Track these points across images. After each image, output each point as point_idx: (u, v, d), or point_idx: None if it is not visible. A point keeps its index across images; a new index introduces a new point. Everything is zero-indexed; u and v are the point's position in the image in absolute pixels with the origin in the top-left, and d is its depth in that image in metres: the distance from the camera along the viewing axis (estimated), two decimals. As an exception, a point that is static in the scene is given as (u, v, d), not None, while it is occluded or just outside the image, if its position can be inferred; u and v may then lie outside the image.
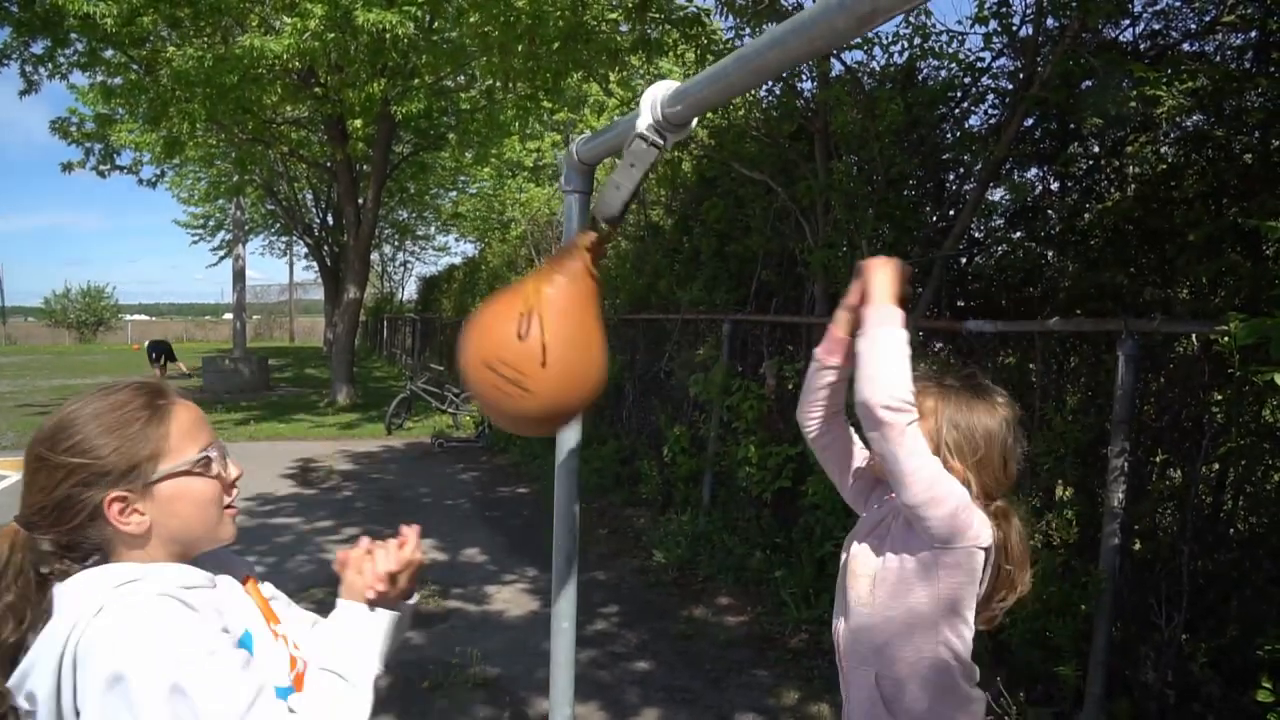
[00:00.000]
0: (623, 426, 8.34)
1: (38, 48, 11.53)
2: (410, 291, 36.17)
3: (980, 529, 1.60)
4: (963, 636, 1.66)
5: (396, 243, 36.85)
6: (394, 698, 3.99)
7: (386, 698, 3.99)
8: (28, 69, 11.75)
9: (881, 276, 1.62)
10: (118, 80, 12.53)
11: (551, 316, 1.37)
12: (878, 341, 1.55)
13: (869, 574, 1.69)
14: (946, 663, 1.66)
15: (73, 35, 11.33)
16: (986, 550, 1.62)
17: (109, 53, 12.03)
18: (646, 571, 5.82)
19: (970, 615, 1.66)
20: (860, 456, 1.86)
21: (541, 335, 1.36)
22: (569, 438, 1.87)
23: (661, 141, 1.35)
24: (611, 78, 7.01)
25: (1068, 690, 3.46)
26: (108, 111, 13.64)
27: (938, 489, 1.55)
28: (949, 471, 1.60)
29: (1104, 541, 3.38)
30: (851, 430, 1.85)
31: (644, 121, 1.33)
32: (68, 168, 14.05)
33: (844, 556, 1.80)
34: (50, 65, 11.85)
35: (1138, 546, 3.54)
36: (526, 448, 10.02)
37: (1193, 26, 4.31)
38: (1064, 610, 3.43)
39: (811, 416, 1.82)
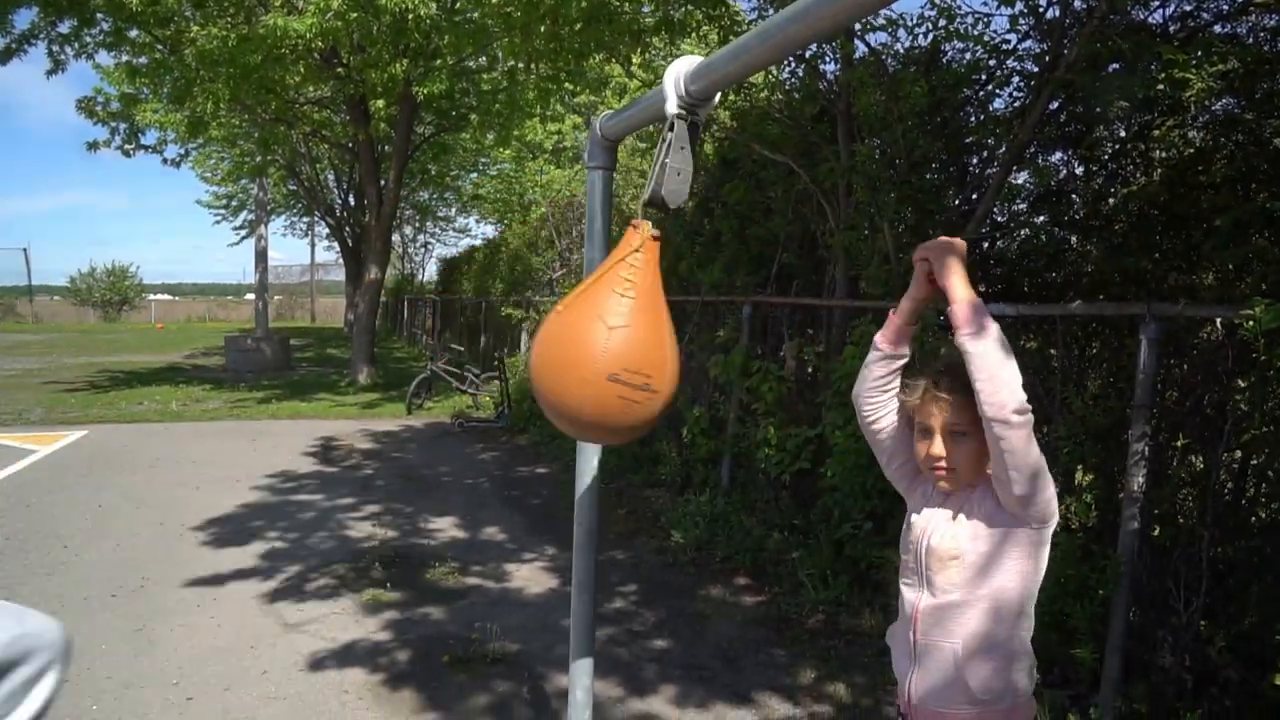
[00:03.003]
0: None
1: (64, 27, 11.62)
2: (430, 273, 36.37)
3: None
4: (1033, 604, 1.77)
5: (417, 224, 36.96)
6: (414, 672, 4.05)
7: (406, 672, 4.05)
8: (54, 49, 11.86)
9: (954, 263, 1.64)
10: (143, 60, 12.62)
11: (657, 307, 1.40)
12: (988, 337, 1.57)
13: (956, 556, 1.76)
14: (1024, 632, 1.77)
15: (99, 15, 11.41)
16: None
17: (134, 32, 12.11)
18: (664, 551, 5.85)
19: (1039, 582, 1.77)
20: (904, 440, 1.90)
21: (663, 327, 1.38)
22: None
23: (697, 117, 1.37)
24: (634, 59, 6.99)
25: (1084, 673, 3.46)
26: (133, 91, 13.74)
27: (1047, 475, 1.65)
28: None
29: (1123, 526, 3.38)
30: (896, 415, 1.90)
31: (671, 102, 1.34)
32: (93, 147, 14.16)
33: (919, 543, 1.84)
34: (77, 45, 11.95)
35: (1157, 532, 3.53)
36: (545, 429, 10.07)
37: (1225, 8, 4.25)
38: (1082, 593, 3.43)
39: (870, 401, 1.87)
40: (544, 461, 9.07)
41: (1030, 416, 1.58)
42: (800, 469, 5.46)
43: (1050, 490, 1.67)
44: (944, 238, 1.68)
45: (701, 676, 4.05)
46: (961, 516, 1.79)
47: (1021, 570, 1.74)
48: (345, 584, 5.20)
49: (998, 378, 1.56)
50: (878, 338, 1.83)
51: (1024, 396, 1.58)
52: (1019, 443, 1.58)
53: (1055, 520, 1.73)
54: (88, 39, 11.93)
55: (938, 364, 1.77)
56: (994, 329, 1.59)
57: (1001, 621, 1.75)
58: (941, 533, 1.80)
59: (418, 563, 5.60)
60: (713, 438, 6.68)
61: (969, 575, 1.76)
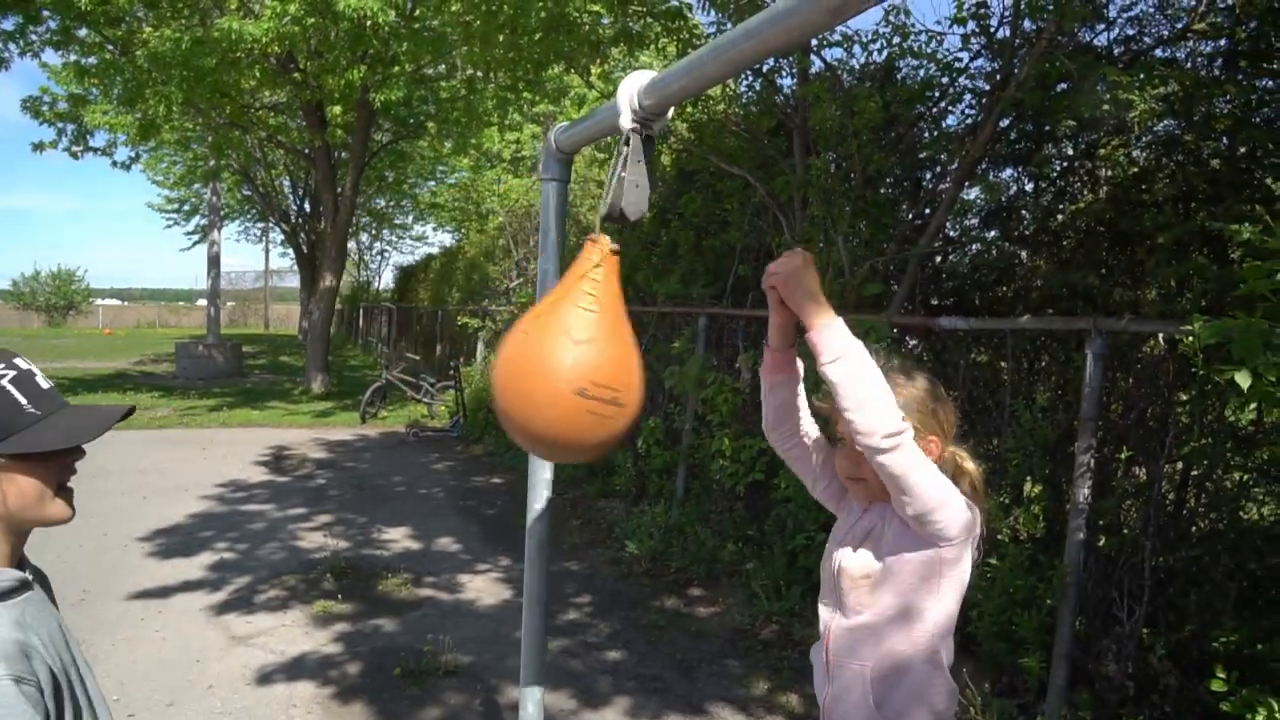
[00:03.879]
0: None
1: (8, 23, 11.36)
2: (387, 280, 36.03)
3: (974, 518, 1.66)
4: (951, 624, 1.72)
5: (374, 231, 36.62)
6: (365, 685, 4.00)
7: (357, 685, 4.00)
8: (-1, 45, 11.59)
9: (803, 287, 1.57)
10: (92, 60, 12.36)
11: (621, 321, 1.39)
12: (850, 364, 1.51)
13: (869, 576, 1.72)
14: (938, 653, 1.71)
15: (45, 12, 11.16)
16: (978, 534, 1.69)
17: (83, 31, 11.87)
18: (619, 562, 5.84)
19: (962, 595, 1.71)
20: (827, 460, 1.88)
21: (628, 341, 1.37)
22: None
23: (652, 132, 1.37)
24: (593, 70, 7.00)
25: (1032, 682, 3.52)
26: (81, 91, 13.45)
27: (944, 492, 1.59)
28: (929, 447, 1.65)
29: (1069, 536, 3.44)
30: (815, 435, 1.88)
31: (626, 116, 1.34)
32: (39, 148, 13.83)
33: (833, 561, 1.81)
34: (21, 42, 11.68)
35: (1102, 542, 3.60)
36: (500, 439, 10.01)
37: (1165, 33, 4.37)
38: (1029, 603, 3.49)
39: (777, 431, 1.85)
40: (499, 471, 9.02)
41: (904, 436, 1.52)
42: (754, 480, 5.48)
43: (951, 509, 1.60)
44: (789, 255, 1.61)
45: (655, 688, 4.05)
46: (873, 537, 1.74)
47: (934, 591, 1.67)
48: (296, 595, 5.12)
49: (864, 405, 1.50)
50: (762, 370, 1.80)
51: (896, 418, 1.51)
52: (900, 465, 1.52)
53: (966, 537, 1.65)
54: (34, 36, 11.67)
55: None
56: (855, 352, 1.52)
57: (913, 644, 1.70)
58: (852, 554, 1.77)
59: (370, 574, 5.53)
60: (668, 448, 6.69)
61: (879, 596, 1.71)
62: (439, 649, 4.34)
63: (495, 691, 3.98)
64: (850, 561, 1.76)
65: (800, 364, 1.80)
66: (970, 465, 1.75)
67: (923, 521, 1.60)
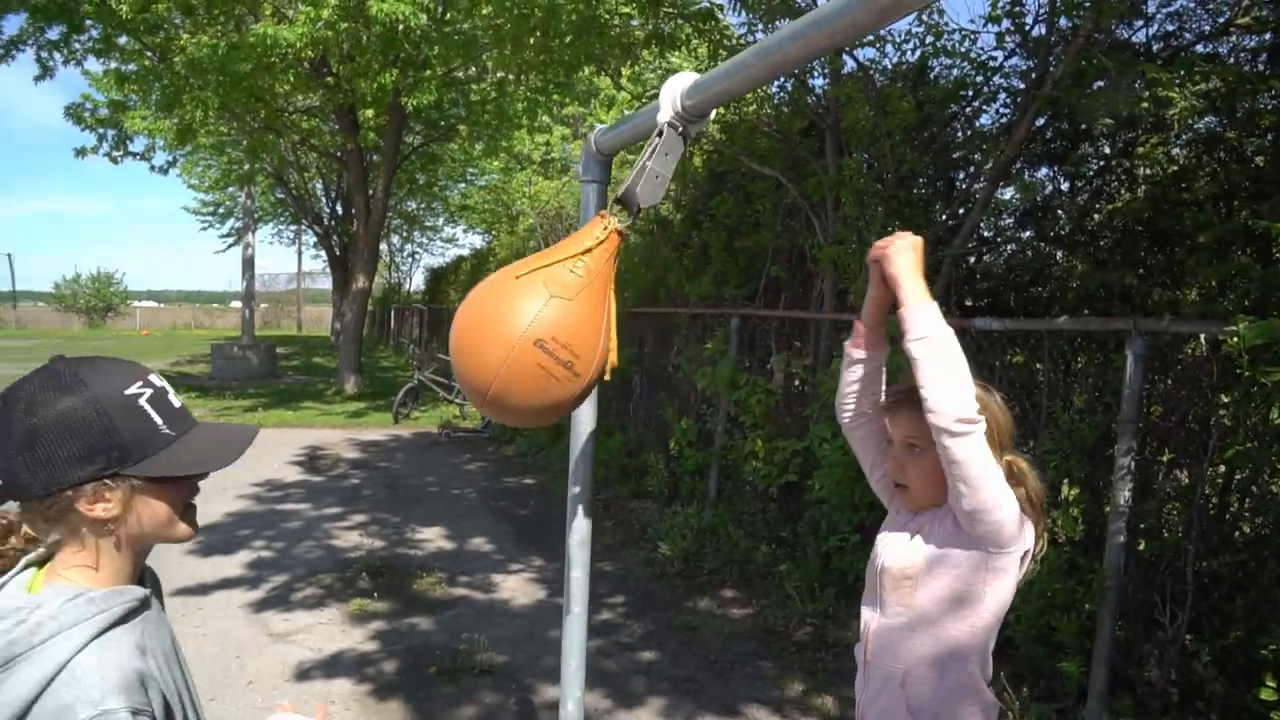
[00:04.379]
0: (629, 419, 8.38)
1: (53, 33, 11.58)
2: (418, 282, 36.29)
3: (1027, 533, 1.64)
4: (991, 638, 1.69)
5: (405, 233, 36.91)
6: (401, 683, 4.04)
7: (394, 682, 4.03)
8: (43, 54, 11.81)
9: (906, 261, 1.58)
10: (132, 67, 12.58)
11: (603, 296, 1.39)
12: (936, 346, 1.52)
13: (911, 578, 1.71)
14: (974, 666, 1.69)
15: (88, 21, 11.37)
16: (1026, 552, 1.66)
17: (123, 39, 12.08)
18: (652, 563, 5.85)
19: (1003, 615, 1.68)
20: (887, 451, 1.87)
21: (602, 317, 1.36)
22: (585, 422, 1.90)
23: (688, 130, 1.38)
24: (624, 72, 7.02)
25: (1071, 686, 3.48)
26: (121, 98, 13.69)
27: (1003, 494, 1.57)
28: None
29: (1109, 540, 3.40)
30: (878, 429, 1.87)
31: (665, 114, 1.35)
32: (81, 153, 14.11)
33: (879, 558, 1.81)
34: (65, 51, 11.91)
35: (1142, 546, 3.56)
36: (532, 439, 10.06)
37: (1206, 28, 4.31)
38: (1068, 607, 3.45)
39: (846, 407, 1.86)
40: (530, 472, 9.06)
41: (977, 426, 1.52)
42: (787, 481, 5.47)
43: (1006, 512, 1.58)
44: (901, 235, 1.62)
45: (689, 689, 4.05)
46: (919, 538, 1.73)
47: (976, 598, 1.65)
48: (332, 594, 5.18)
49: (942, 384, 1.51)
50: (848, 343, 1.81)
51: (973, 408, 1.51)
52: (964, 453, 1.52)
53: (1016, 547, 1.63)
54: (76, 45, 11.90)
55: (907, 385, 1.71)
56: (944, 335, 1.53)
57: (950, 650, 1.68)
58: (896, 553, 1.76)
59: (405, 573, 5.58)
60: (700, 450, 6.69)
61: (919, 597, 1.70)
62: (474, 648, 4.36)
63: (530, 691, 4.00)
64: (893, 562, 1.75)
65: (886, 346, 1.80)
66: (1031, 477, 1.71)
67: (976, 519, 1.59)
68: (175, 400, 1.21)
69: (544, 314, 1.36)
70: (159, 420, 1.16)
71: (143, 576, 1.25)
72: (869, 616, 1.82)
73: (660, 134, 1.41)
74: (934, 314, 1.54)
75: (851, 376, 1.81)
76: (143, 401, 1.15)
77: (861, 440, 1.89)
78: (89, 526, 1.14)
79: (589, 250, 1.42)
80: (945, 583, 1.67)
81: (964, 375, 1.53)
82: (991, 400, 1.71)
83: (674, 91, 1.36)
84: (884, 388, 1.85)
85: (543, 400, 1.39)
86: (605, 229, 1.44)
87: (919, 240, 1.61)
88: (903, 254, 1.59)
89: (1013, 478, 1.68)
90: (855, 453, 1.94)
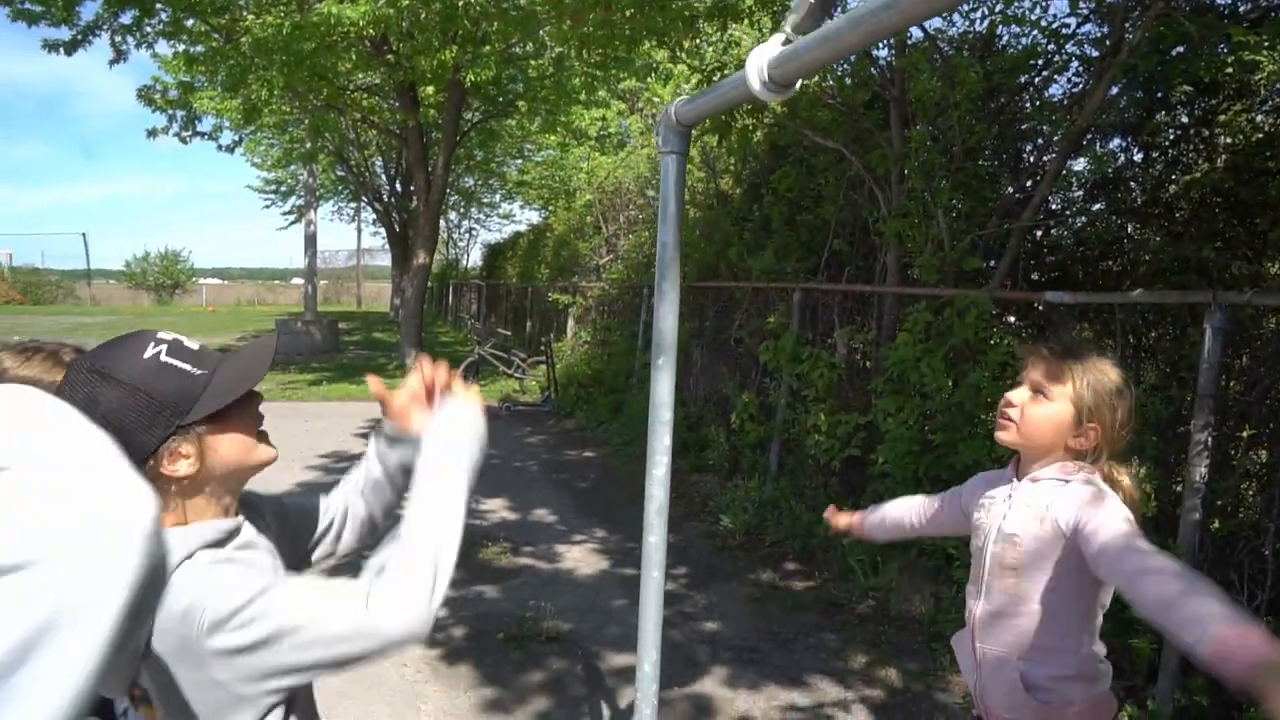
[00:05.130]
0: (690, 393, 8.40)
1: (126, 18, 11.87)
2: (475, 258, 36.64)
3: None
4: (1099, 618, 1.75)
5: (462, 210, 37.22)
6: (470, 649, 4.15)
7: (463, 648, 4.14)
8: (116, 39, 12.12)
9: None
10: (199, 49, 12.84)
11: None
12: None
13: (1016, 566, 1.74)
14: (1086, 644, 1.74)
15: (158, 5, 11.63)
16: None
17: (191, 22, 12.33)
18: (713, 536, 5.90)
19: (1110, 591, 1.73)
20: (933, 506, 2.14)
21: None
22: (663, 393, 1.93)
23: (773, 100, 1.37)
24: (685, 45, 6.98)
25: (1140, 664, 3.45)
26: (189, 79, 13.99)
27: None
28: (1090, 432, 1.69)
29: (1183, 517, 3.34)
30: (932, 512, 2.15)
31: (754, 83, 1.36)
32: (153, 134, 14.46)
33: (985, 543, 1.83)
34: (138, 35, 12.20)
35: (1217, 524, 3.49)
36: (592, 413, 10.15)
37: (1296, -11, 4.16)
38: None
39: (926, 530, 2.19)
40: (591, 446, 9.14)
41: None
42: (850, 455, 5.46)
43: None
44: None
45: (752, 659, 4.09)
46: (1028, 518, 1.75)
47: (1085, 582, 1.68)
48: (401, 562, 5.31)
49: None
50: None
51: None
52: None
53: None
54: (148, 29, 12.18)
55: (1062, 337, 1.82)
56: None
57: (1063, 634, 1.71)
58: (1002, 536, 1.78)
59: (470, 542, 5.69)
60: (761, 423, 6.69)
61: (1030, 585, 1.73)
62: (540, 615, 4.46)
63: (596, 658, 4.08)
64: (999, 545, 1.78)
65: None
66: (1126, 481, 1.74)
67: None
68: (192, 343, 1.26)
69: None
70: (187, 366, 1.22)
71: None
72: (973, 604, 1.85)
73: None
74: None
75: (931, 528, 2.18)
76: (164, 357, 1.21)
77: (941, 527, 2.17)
78: (177, 487, 1.22)
79: None
80: (1050, 572, 1.70)
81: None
82: (1128, 400, 1.73)
83: (760, 61, 1.37)
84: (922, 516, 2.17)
85: None
86: None
87: None
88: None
89: (1112, 483, 1.70)
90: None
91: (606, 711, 3.64)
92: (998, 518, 1.81)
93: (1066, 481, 1.71)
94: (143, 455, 1.16)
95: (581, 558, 5.49)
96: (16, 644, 0.65)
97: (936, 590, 4.52)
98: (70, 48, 11.76)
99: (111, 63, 12.29)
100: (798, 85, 1.36)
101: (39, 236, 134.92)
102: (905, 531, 2.18)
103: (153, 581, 0.76)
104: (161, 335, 1.24)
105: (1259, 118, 4.20)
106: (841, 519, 2.28)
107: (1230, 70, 3.67)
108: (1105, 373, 1.71)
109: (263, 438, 1.32)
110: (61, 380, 1.20)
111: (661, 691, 3.75)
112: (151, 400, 1.17)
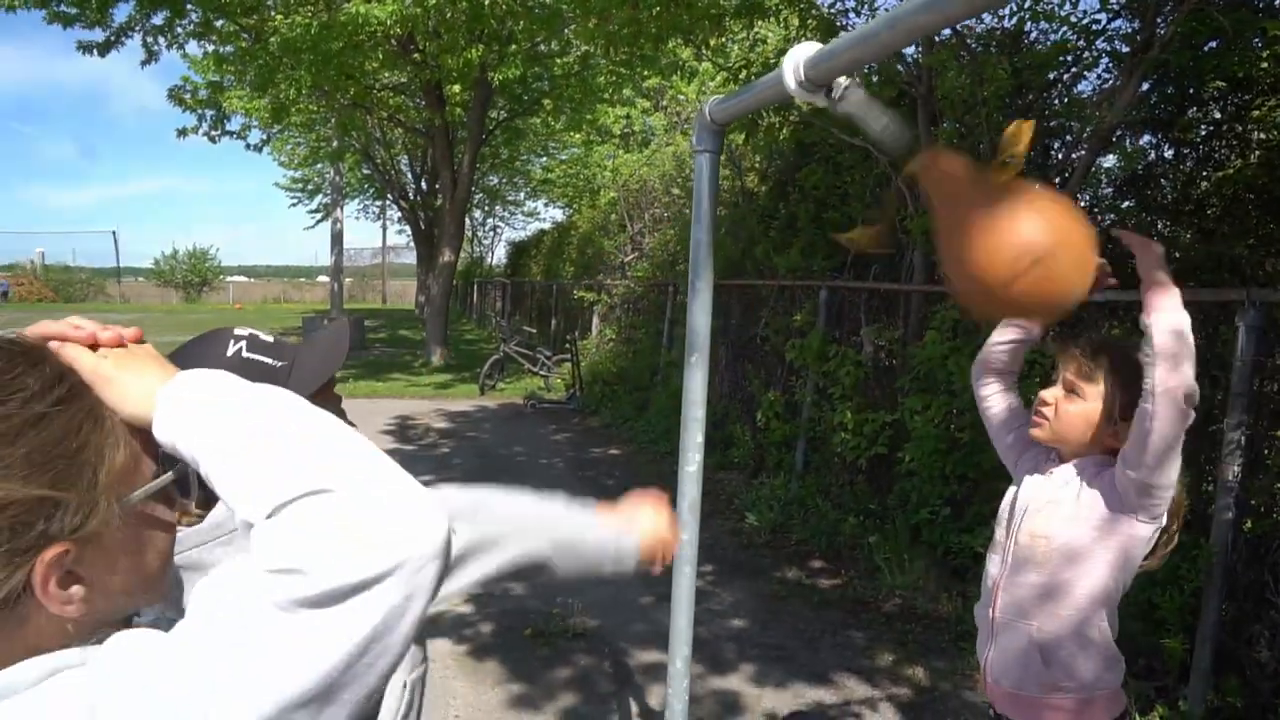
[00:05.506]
0: (715, 390, 8.41)
1: (158, 19, 12.04)
2: (499, 256, 36.78)
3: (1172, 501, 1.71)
4: (1117, 602, 1.76)
5: (486, 208, 37.36)
6: (498, 645, 4.18)
7: (490, 644, 4.18)
8: (148, 40, 12.31)
9: (1154, 256, 1.63)
10: (229, 48, 13.00)
11: None
12: (1182, 330, 1.57)
13: (1047, 536, 1.76)
14: (1105, 623, 1.75)
15: (189, 6, 11.79)
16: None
17: (220, 22, 12.48)
18: (739, 534, 5.90)
19: (1132, 574, 1.75)
20: (1018, 416, 1.97)
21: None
22: (696, 389, 1.95)
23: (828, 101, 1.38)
24: (711, 43, 6.99)
25: (1172, 664, 3.42)
26: (219, 79, 14.17)
27: (1176, 473, 1.64)
28: (1118, 434, 1.70)
29: (1216, 515, 3.32)
30: (1014, 393, 2.00)
31: (789, 84, 1.37)
32: (183, 134, 14.66)
33: (1014, 518, 1.85)
34: (168, 36, 12.38)
35: (1249, 525, 3.46)
36: (617, 410, 10.18)
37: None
38: (1170, 583, 3.39)
39: (991, 371, 1.98)
40: (615, 443, 9.17)
41: (1192, 412, 1.59)
42: (877, 453, 5.45)
43: (1170, 492, 1.66)
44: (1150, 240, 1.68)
45: (779, 656, 4.10)
46: (1063, 496, 1.77)
47: (1112, 562, 1.71)
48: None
49: (1182, 365, 1.56)
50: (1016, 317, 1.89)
51: (1196, 391, 1.58)
52: (1175, 429, 1.57)
53: (1160, 521, 1.70)
54: (179, 29, 12.35)
55: (1095, 337, 1.85)
56: (1186, 322, 1.59)
57: (1083, 609, 1.72)
58: (1037, 510, 1.79)
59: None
60: (787, 421, 6.69)
61: (1056, 558, 1.74)
62: (566, 612, 4.49)
63: (623, 654, 4.11)
64: (1032, 520, 1.79)
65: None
66: (1176, 486, 1.74)
67: (1145, 490, 1.64)
68: (268, 336, 1.28)
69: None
70: (269, 360, 1.23)
71: None
72: (997, 573, 1.85)
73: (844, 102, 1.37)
74: (1179, 301, 1.59)
75: (1007, 336, 1.92)
76: (246, 353, 1.22)
77: (995, 405, 1.99)
78: None
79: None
80: (1088, 545, 1.72)
81: (1194, 359, 1.59)
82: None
83: (795, 61, 1.38)
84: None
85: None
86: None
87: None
88: (1156, 249, 1.64)
89: None
90: (984, 414, 2.02)
91: (635, 708, 3.66)
92: (1035, 486, 1.83)
93: (1102, 469, 1.74)
94: None
95: (608, 554, 5.51)
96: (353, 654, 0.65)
97: (964, 589, 4.51)
98: (104, 49, 11.94)
99: (143, 63, 12.47)
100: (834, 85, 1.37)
101: (70, 235, 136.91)
102: (1019, 349, 1.96)
103: None
104: (238, 331, 1.25)
105: (1294, 113, 4.14)
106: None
107: (1265, 65, 3.64)
108: (1138, 365, 1.71)
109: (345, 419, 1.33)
110: None
111: (689, 687, 3.78)
112: None
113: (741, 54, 7.58)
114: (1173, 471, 1.63)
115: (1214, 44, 4.16)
